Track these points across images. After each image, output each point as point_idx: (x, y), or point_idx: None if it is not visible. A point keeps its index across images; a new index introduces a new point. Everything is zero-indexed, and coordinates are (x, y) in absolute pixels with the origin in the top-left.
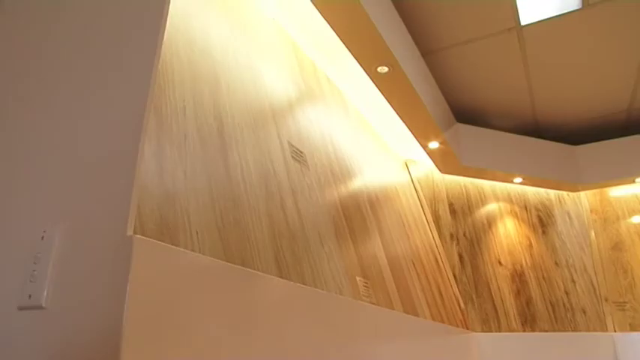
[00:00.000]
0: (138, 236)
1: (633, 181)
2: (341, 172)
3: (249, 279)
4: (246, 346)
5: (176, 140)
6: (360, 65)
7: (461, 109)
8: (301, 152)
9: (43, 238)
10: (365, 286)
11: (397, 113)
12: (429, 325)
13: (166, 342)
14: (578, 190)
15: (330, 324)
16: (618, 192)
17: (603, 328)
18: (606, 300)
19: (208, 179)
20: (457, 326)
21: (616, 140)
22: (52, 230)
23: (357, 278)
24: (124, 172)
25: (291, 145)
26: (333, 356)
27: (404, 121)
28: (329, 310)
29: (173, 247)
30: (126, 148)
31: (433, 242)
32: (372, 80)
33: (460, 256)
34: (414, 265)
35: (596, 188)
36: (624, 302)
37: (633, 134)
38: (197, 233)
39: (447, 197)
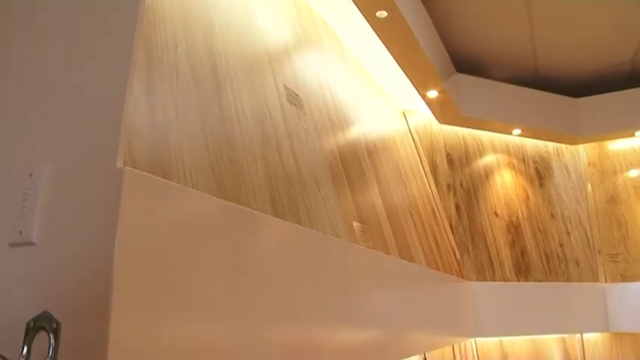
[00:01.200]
0: (128, 168)
1: (633, 135)
2: (338, 120)
3: (245, 217)
4: (239, 285)
5: (167, 76)
6: (359, 9)
7: (461, 58)
8: (297, 95)
9: (31, 175)
10: (362, 232)
11: (396, 60)
12: (426, 271)
13: (158, 276)
14: (577, 143)
15: (326, 266)
16: (617, 145)
17: (595, 279)
18: (599, 252)
19: (202, 118)
20: (453, 275)
21: (618, 93)
22: (41, 167)
23: (354, 223)
24: (112, 105)
25: (286, 88)
26: (328, 299)
27: (403, 69)
28: (325, 252)
29: (166, 180)
30: (113, 82)
31: (430, 192)
32: (371, 25)
33: (457, 207)
34: (410, 214)
35: (595, 141)
36: (617, 254)
37: (636, 86)
38: (190, 172)
39: (445, 148)
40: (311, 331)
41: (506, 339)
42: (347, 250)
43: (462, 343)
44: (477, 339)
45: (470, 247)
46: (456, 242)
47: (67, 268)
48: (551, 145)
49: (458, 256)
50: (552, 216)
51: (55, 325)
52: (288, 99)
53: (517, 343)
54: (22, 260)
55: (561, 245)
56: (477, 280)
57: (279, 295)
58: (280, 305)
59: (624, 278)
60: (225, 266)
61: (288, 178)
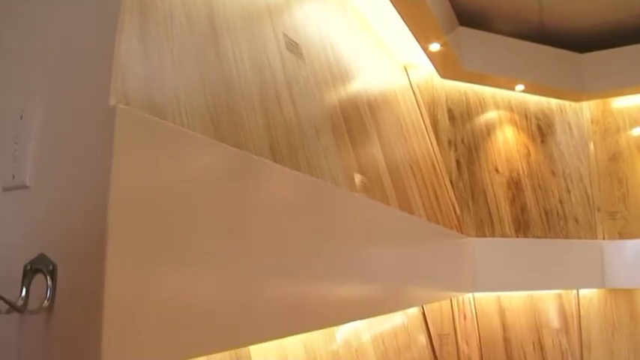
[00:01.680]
0: (121, 106)
1: (639, 91)
2: (339, 71)
3: (245, 162)
4: (238, 233)
5: (161, 20)
6: None
7: (464, 11)
8: (297, 44)
9: (22, 117)
10: (362, 183)
11: (398, 11)
12: (426, 225)
13: (155, 218)
14: (582, 100)
15: (327, 216)
16: (621, 102)
17: (593, 236)
18: (598, 210)
19: (198, 63)
20: (452, 230)
21: (625, 48)
22: (31, 108)
23: (355, 175)
24: (104, 44)
25: (286, 36)
26: (329, 250)
27: (405, 21)
28: (327, 202)
29: (162, 120)
30: (105, 21)
31: (431, 148)
32: None
33: (457, 162)
34: (411, 168)
35: (599, 98)
36: (616, 212)
37: None
38: (187, 115)
39: (446, 103)
40: (312, 283)
41: (503, 295)
42: (348, 199)
43: (460, 298)
44: (475, 294)
45: (470, 203)
46: (456, 198)
47: (62, 211)
48: (554, 102)
49: (458, 211)
50: (553, 173)
51: (51, 268)
52: (287, 47)
53: (514, 298)
54: (17, 204)
55: (561, 202)
56: (477, 235)
57: (279, 245)
58: (280, 255)
59: (622, 236)
60: (223, 214)
61: (287, 126)
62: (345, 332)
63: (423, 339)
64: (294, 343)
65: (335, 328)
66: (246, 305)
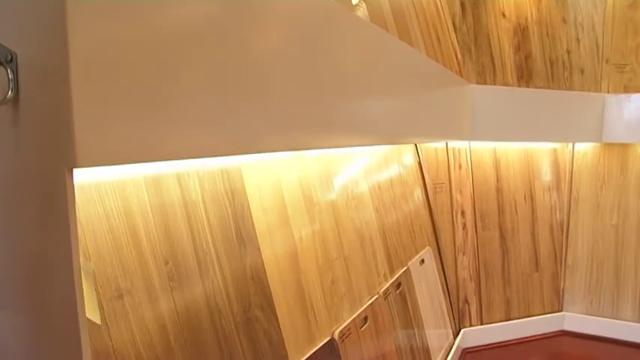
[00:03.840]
0: None
1: None
2: None
3: None
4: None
5: None
6: None
7: None
8: None
9: None
10: (359, 4)
11: None
12: (426, 61)
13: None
14: None
15: (320, 35)
16: None
17: (597, 89)
18: (607, 61)
19: None
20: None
21: None
22: None
23: None
24: None
25: None
26: (315, 71)
27: None
28: (319, 18)
29: None
30: None
31: None
32: None
33: (462, 5)
34: (413, 5)
35: None
36: (625, 64)
37: None
38: None
39: None
40: (306, 101)
41: (499, 147)
42: (337, 15)
43: (457, 149)
44: (472, 145)
45: (472, 48)
46: (458, 42)
47: None
48: None
49: (459, 56)
50: (564, 20)
51: (10, 57)
52: None
53: (510, 151)
54: None
55: (568, 52)
56: (477, 83)
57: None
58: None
59: (627, 89)
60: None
61: None
62: (343, 181)
63: (418, 189)
64: (291, 188)
65: (332, 176)
66: (234, 110)
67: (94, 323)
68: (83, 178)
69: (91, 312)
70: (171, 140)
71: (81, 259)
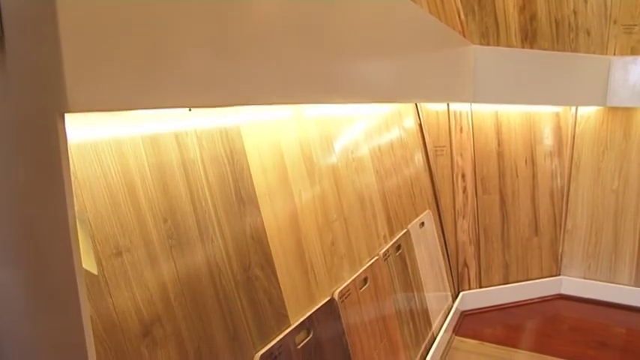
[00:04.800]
0: None
1: None
2: None
3: None
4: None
5: None
6: None
7: None
8: None
9: None
10: None
11: None
12: (428, 18)
13: None
14: None
15: None
16: None
17: (604, 52)
18: (615, 22)
19: None
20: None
21: None
22: None
23: None
24: None
25: None
26: (314, 26)
27: None
28: None
29: None
30: None
31: None
32: None
33: None
34: None
35: None
36: (634, 25)
37: None
38: None
39: None
40: (306, 56)
41: (501, 110)
42: None
43: (458, 112)
44: (473, 109)
45: (476, 9)
46: (461, 2)
47: None
48: None
49: (462, 17)
50: None
51: None
52: None
53: (512, 115)
54: None
55: (575, 13)
56: (480, 44)
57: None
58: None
59: (634, 52)
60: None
61: None
62: (343, 144)
63: (419, 152)
64: (290, 149)
65: (333, 138)
66: (232, 61)
67: (94, 280)
68: (80, 136)
69: (88, 263)
70: (166, 88)
71: (76, 208)
